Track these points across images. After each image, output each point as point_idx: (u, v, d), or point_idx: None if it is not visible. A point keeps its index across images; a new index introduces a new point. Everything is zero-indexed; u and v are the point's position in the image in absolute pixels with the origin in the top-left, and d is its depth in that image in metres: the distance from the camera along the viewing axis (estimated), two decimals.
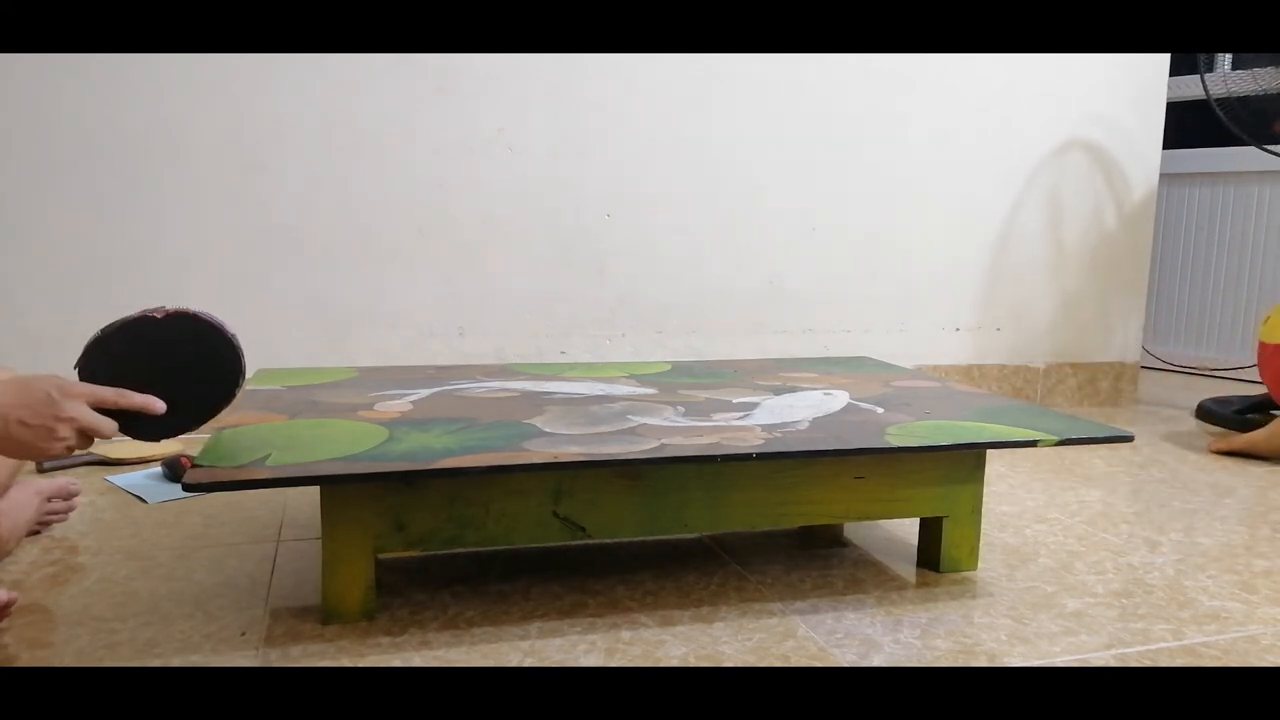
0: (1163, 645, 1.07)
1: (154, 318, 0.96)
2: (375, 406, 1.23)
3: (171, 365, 0.96)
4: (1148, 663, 1.03)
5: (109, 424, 0.91)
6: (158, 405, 0.93)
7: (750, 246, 2.23)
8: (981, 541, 1.29)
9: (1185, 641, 1.09)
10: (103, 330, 0.94)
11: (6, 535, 1.20)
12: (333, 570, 1.06)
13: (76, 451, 0.92)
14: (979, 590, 1.22)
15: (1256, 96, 2.47)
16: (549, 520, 1.11)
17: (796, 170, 2.23)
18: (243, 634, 1.04)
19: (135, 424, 0.94)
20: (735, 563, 1.28)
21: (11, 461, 1.18)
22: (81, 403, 0.89)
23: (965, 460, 1.23)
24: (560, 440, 1.08)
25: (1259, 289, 2.92)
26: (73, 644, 1.01)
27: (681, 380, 1.48)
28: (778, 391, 1.39)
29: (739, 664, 1.00)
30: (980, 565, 1.29)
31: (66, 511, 1.37)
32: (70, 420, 0.88)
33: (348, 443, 1.04)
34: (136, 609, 1.10)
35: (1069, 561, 1.33)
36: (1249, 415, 2.26)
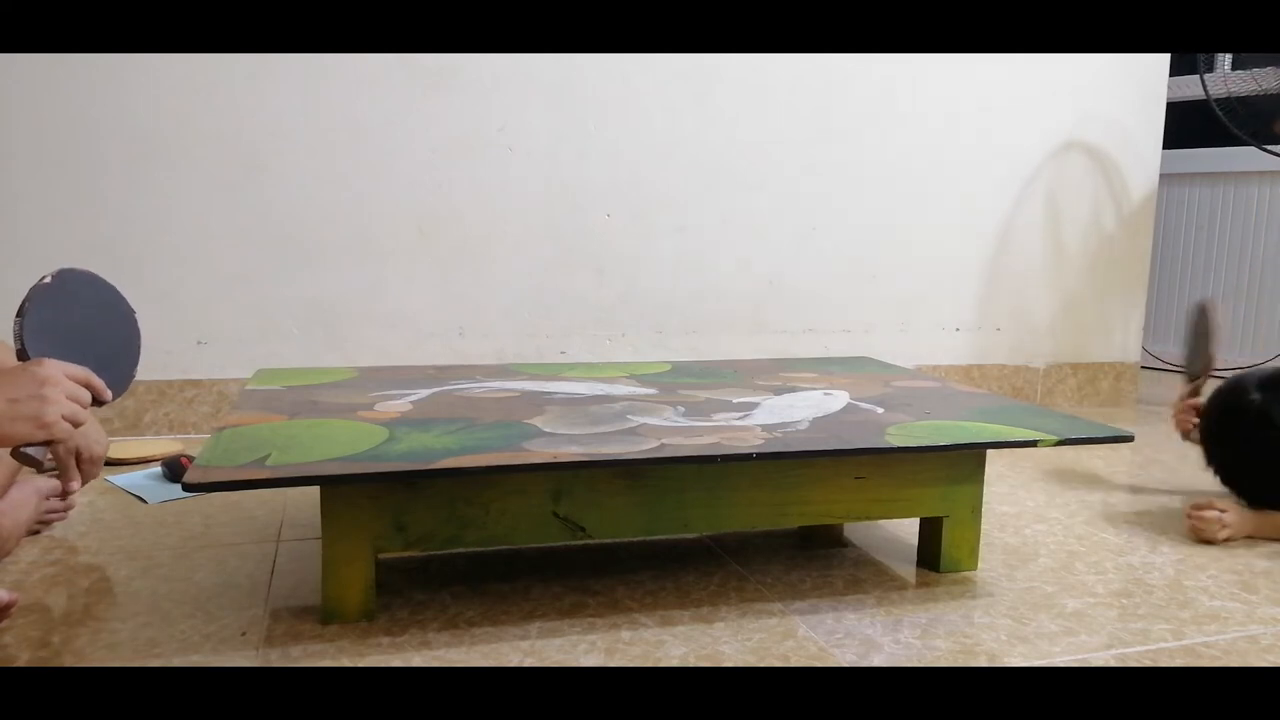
0: (1163, 645, 1.07)
1: (46, 283, 1.00)
2: (375, 406, 1.23)
3: (85, 319, 1.02)
4: (1148, 663, 1.03)
5: (85, 393, 0.94)
6: (107, 395, 0.98)
7: (750, 246, 2.23)
8: (981, 541, 1.29)
9: (1185, 641, 1.09)
10: (20, 314, 0.97)
11: (6, 535, 1.20)
12: (333, 570, 1.06)
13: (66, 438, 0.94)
14: (979, 590, 1.22)
15: (1256, 96, 2.48)
16: (549, 520, 1.11)
17: (796, 170, 2.23)
18: (243, 634, 1.04)
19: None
20: (735, 563, 1.28)
21: (11, 462, 1.18)
22: (58, 371, 0.92)
23: (965, 460, 1.23)
24: (560, 440, 1.08)
25: (1259, 289, 2.92)
26: (73, 644, 1.01)
27: (681, 380, 1.48)
28: (778, 391, 1.39)
29: (739, 664, 1.00)
30: (980, 565, 1.29)
31: (66, 510, 1.36)
32: (56, 384, 0.91)
33: (348, 443, 1.04)
34: (136, 609, 1.10)
35: (1069, 561, 1.33)
36: None
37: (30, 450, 0.92)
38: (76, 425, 0.93)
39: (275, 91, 1.90)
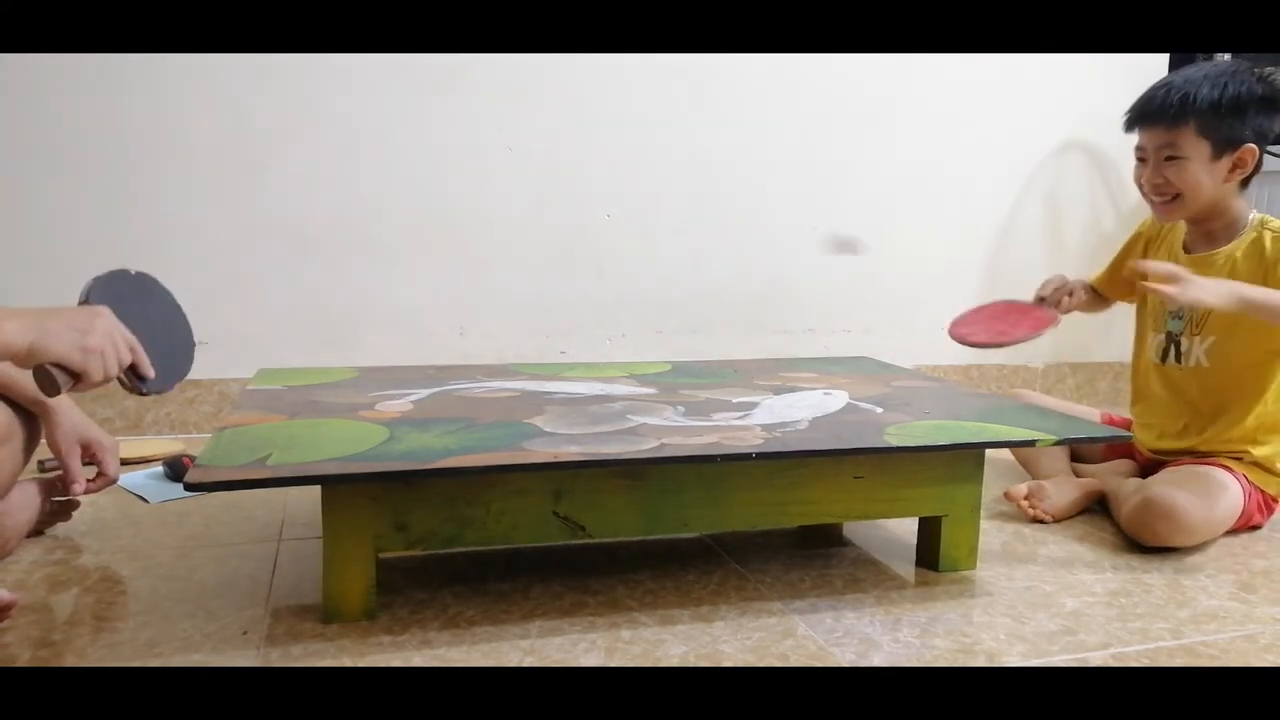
0: (1162, 645, 1.08)
1: (128, 272, 1.05)
2: (375, 406, 1.23)
3: (147, 318, 1.04)
4: (1146, 662, 1.03)
5: (128, 351, 0.96)
6: (149, 370, 1.00)
7: (750, 246, 2.23)
8: (980, 541, 1.29)
9: (1184, 641, 1.09)
10: (94, 279, 1.00)
11: (8, 535, 1.20)
12: (333, 570, 1.06)
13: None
14: (978, 590, 1.22)
15: None
16: (549, 520, 1.11)
17: (796, 170, 2.23)
18: (244, 633, 1.04)
19: (130, 376, 1.01)
20: (735, 562, 1.28)
21: (14, 462, 1.19)
22: (113, 319, 0.95)
23: (964, 460, 1.24)
24: (560, 440, 1.08)
25: None
26: (73, 644, 1.01)
27: (681, 380, 1.48)
28: (778, 391, 1.39)
29: (739, 663, 1.00)
30: (979, 565, 1.29)
31: (68, 512, 1.36)
32: (108, 327, 0.94)
33: (348, 443, 1.04)
34: (137, 609, 1.10)
35: (1068, 561, 1.33)
36: None
37: (55, 373, 0.92)
38: (106, 375, 0.94)
39: (275, 91, 1.90)
